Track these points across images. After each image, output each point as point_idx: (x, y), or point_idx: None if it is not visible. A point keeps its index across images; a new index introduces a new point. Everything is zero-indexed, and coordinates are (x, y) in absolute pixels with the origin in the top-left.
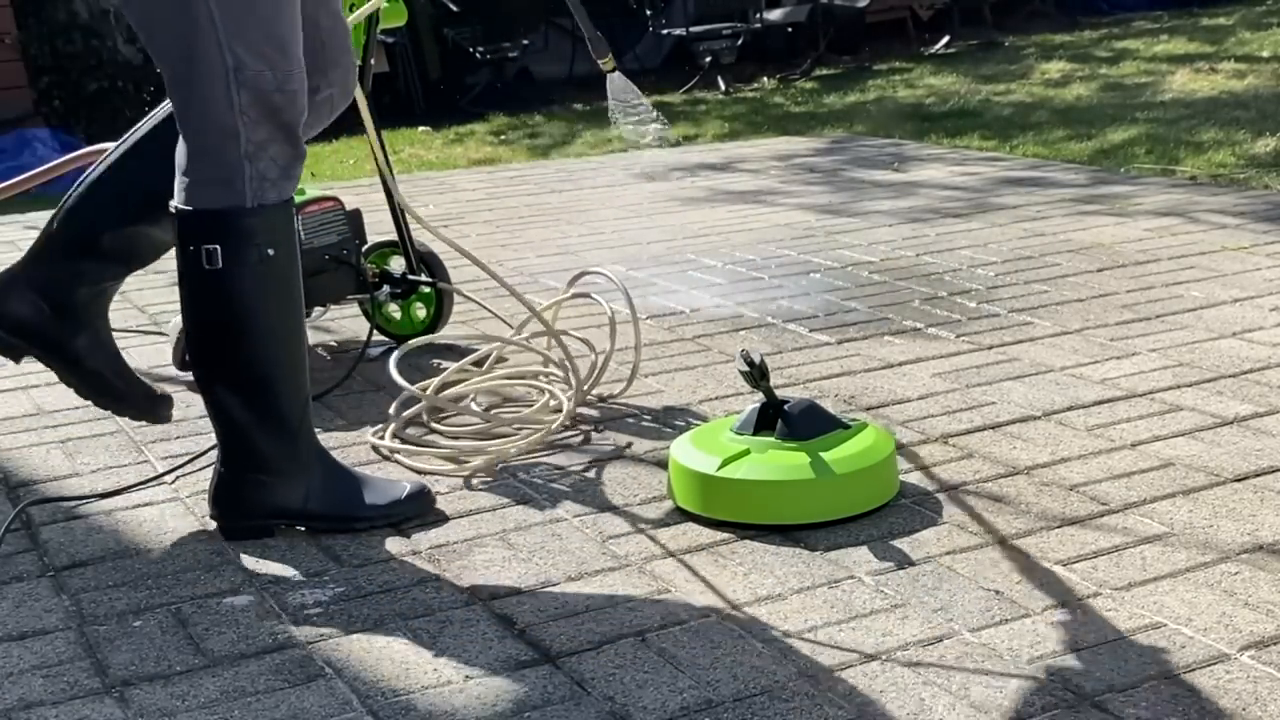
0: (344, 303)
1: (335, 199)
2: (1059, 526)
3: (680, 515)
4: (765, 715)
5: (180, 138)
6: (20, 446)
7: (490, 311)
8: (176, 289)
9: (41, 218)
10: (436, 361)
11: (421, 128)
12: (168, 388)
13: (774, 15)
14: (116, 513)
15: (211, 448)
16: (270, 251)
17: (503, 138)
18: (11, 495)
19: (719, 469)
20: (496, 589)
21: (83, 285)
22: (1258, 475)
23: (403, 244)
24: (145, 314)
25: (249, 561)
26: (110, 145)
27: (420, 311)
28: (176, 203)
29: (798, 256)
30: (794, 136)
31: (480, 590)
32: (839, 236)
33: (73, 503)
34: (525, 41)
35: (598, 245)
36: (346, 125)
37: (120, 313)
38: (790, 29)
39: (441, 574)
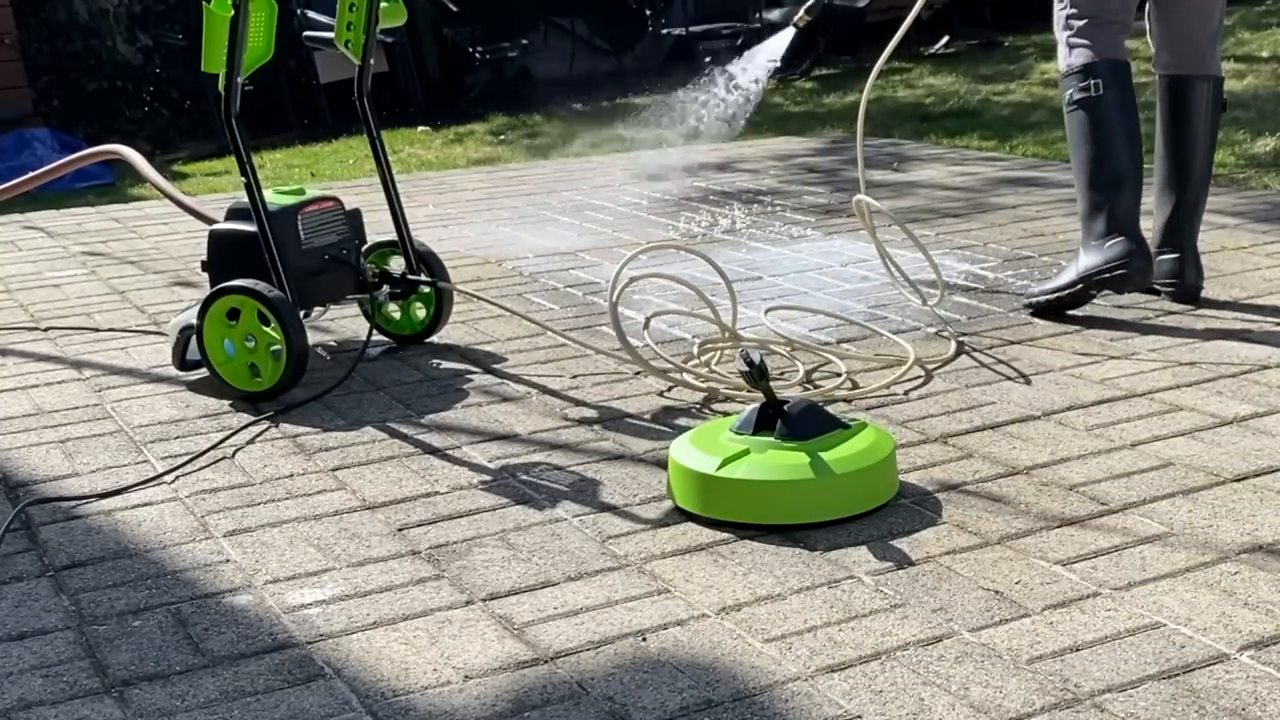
0: (344, 303)
1: (335, 199)
2: (1059, 526)
3: (680, 515)
4: (765, 715)
5: None
6: (20, 446)
7: (501, 308)
8: (176, 289)
9: (41, 218)
10: (436, 362)
11: (421, 128)
12: (167, 388)
13: (774, 15)
14: (116, 513)
15: (212, 447)
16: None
17: (502, 138)
18: (11, 495)
19: (719, 469)
20: (496, 589)
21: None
22: (1257, 475)
23: (402, 244)
24: (145, 314)
25: (249, 561)
26: (111, 146)
27: (420, 311)
28: None
29: (797, 256)
30: (794, 136)
31: (480, 590)
32: (838, 237)
33: (72, 503)
34: (525, 41)
35: (597, 245)
36: (346, 126)
37: (120, 312)
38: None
39: (441, 574)
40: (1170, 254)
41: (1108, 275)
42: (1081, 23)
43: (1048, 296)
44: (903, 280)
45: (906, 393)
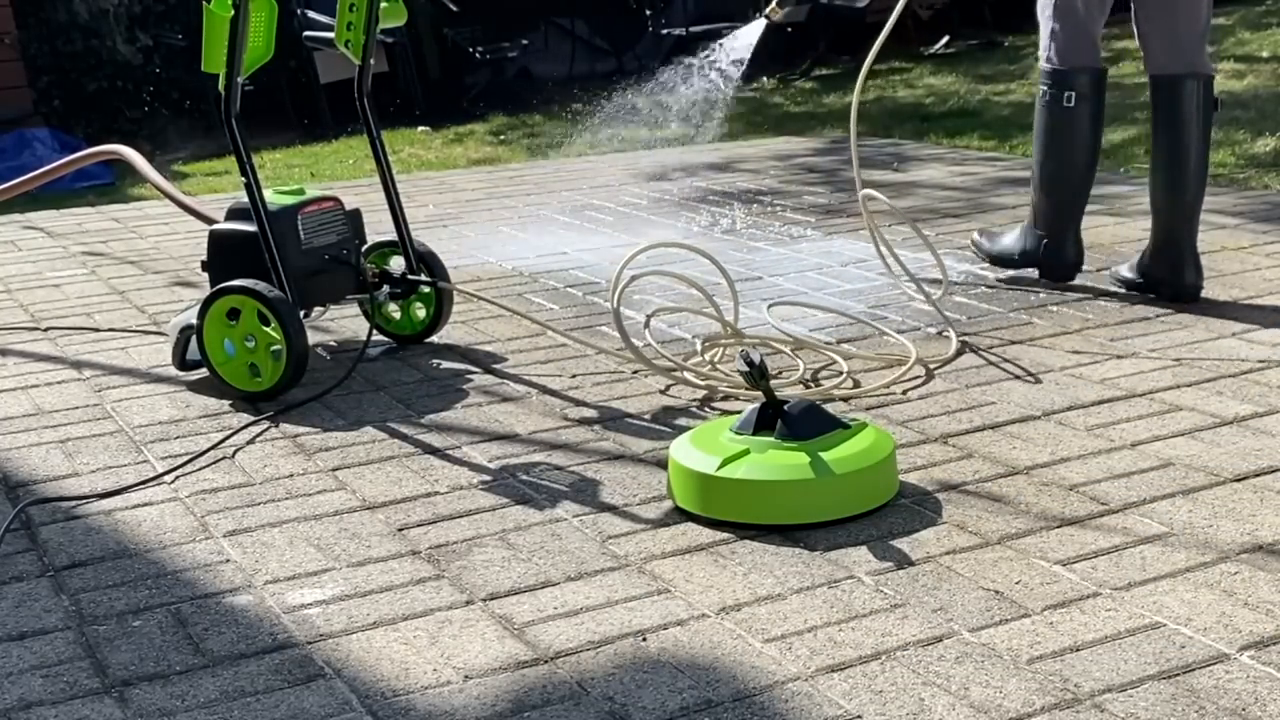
0: (344, 303)
1: (335, 199)
2: (1059, 526)
3: (680, 515)
4: (765, 715)
5: None
6: (20, 446)
7: (501, 308)
8: (176, 289)
9: (41, 218)
10: (436, 362)
11: (421, 128)
12: (167, 388)
13: (774, 15)
14: (116, 513)
15: (212, 447)
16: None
17: (502, 138)
18: (11, 495)
19: (719, 469)
20: (496, 589)
21: None
22: (1258, 475)
23: (402, 244)
24: (145, 314)
25: (249, 561)
26: (111, 146)
27: (420, 311)
28: None
29: (797, 256)
30: (794, 136)
31: (480, 590)
32: (837, 237)
33: (73, 503)
34: (525, 41)
35: (597, 245)
36: (346, 126)
37: (120, 312)
38: (790, 29)
39: (441, 574)
40: (1170, 254)
41: (1031, 263)
42: (1062, 21)
43: (989, 258)
44: (904, 275)
45: (905, 391)
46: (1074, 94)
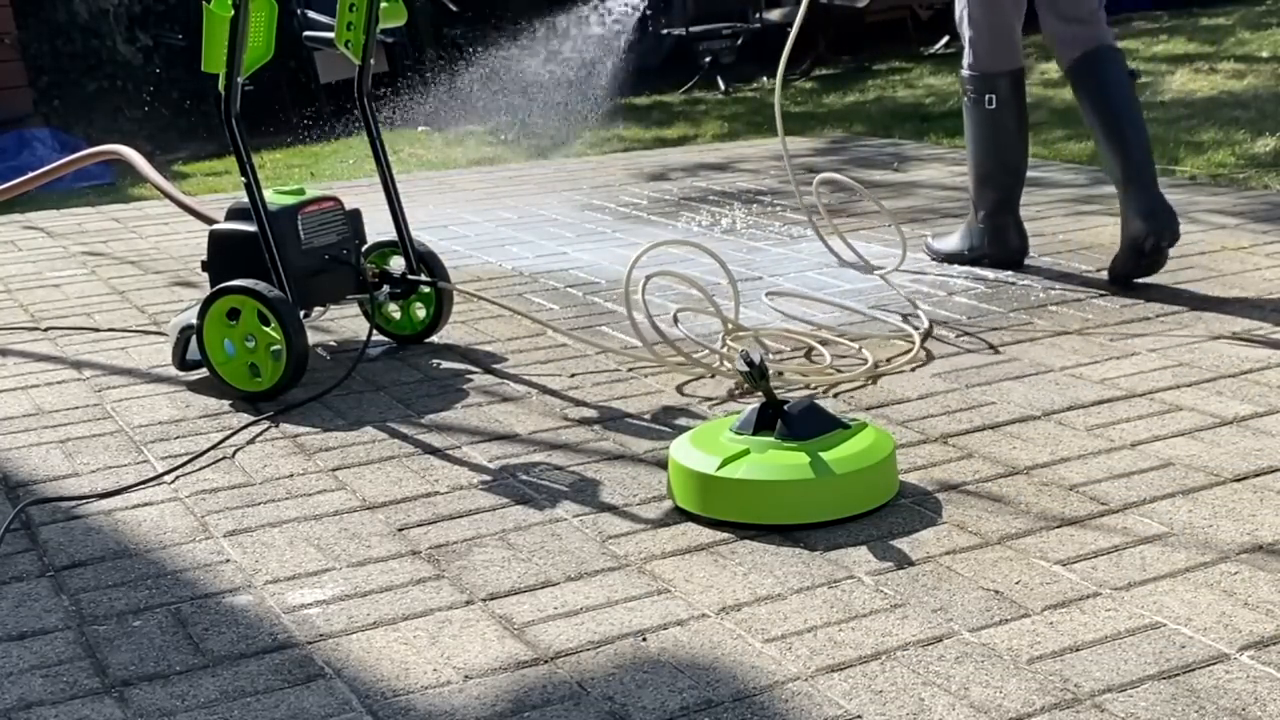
0: (344, 303)
1: (335, 199)
2: (1059, 526)
3: (680, 515)
4: (765, 715)
5: None
6: (20, 446)
7: (502, 308)
8: (176, 289)
9: (42, 217)
10: (436, 362)
11: (421, 128)
12: (167, 388)
13: (774, 15)
14: (116, 513)
15: (212, 448)
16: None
17: (502, 138)
18: (11, 495)
19: (719, 469)
20: (496, 589)
21: None
22: (1258, 475)
23: (402, 244)
24: (145, 314)
25: (249, 561)
26: (111, 146)
27: (420, 311)
28: None
29: (797, 256)
30: (793, 136)
31: (480, 590)
32: (837, 237)
33: (72, 503)
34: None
35: (597, 244)
36: (346, 126)
37: (120, 312)
38: (790, 29)
39: (441, 574)
40: (1140, 208)
41: (980, 256)
42: (978, 30)
43: (940, 258)
44: (849, 252)
45: (876, 375)
46: (994, 97)
